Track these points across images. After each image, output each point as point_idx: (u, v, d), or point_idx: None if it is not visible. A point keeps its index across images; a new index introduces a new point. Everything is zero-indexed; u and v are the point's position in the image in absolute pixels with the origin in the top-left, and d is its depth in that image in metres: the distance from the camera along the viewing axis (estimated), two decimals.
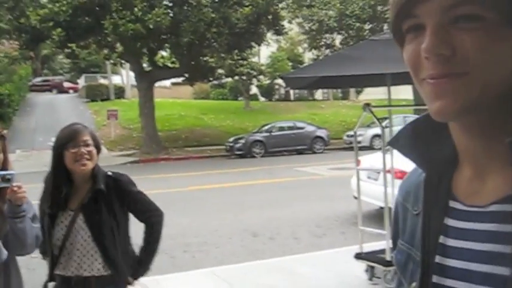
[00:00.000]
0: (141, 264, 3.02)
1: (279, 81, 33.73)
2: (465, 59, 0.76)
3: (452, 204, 0.89)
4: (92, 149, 2.89)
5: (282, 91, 44.29)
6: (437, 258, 0.88)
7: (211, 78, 31.79)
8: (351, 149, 6.45)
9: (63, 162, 2.86)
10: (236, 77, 35.88)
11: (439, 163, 0.92)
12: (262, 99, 44.05)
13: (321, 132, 25.82)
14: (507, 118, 0.81)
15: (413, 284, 0.92)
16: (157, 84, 27.74)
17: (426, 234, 0.91)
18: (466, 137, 0.86)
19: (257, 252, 7.74)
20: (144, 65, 26.87)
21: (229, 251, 7.84)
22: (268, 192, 13.15)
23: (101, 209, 2.88)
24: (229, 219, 9.90)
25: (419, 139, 0.92)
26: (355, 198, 6.68)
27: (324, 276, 6.11)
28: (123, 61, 28.32)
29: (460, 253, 0.85)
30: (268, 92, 44.30)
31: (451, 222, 0.88)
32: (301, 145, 24.83)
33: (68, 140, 2.86)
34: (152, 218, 3.07)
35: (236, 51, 26.59)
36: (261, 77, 39.39)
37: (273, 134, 24.70)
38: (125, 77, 42.68)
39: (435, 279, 0.88)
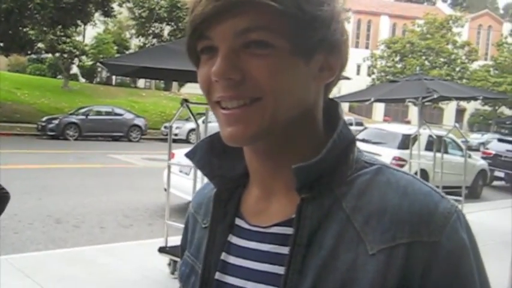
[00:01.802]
0: None
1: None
2: (254, 84, 0.78)
3: (238, 222, 0.91)
4: None
5: (104, 74, 42.94)
6: (217, 275, 0.89)
7: (29, 52, 29.81)
8: (168, 140, 6.45)
9: None
10: (57, 54, 34.04)
11: (231, 180, 0.93)
12: (82, 80, 42.34)
13: (139, 121, 25.51)
14: (294, 144, 0.85)
15: None
16: None
17: (210, 249, 0.91)
18: (256, 160, 0.88)
19: (59, 240, 7.43)
20: None
21: (29, 237, 7.42)
22: (77, 177, 12.67)
23: None
24: (32, 204, 9.36)
25: (214, 155, 0.92)
26: (166, 190, 6.71)
27: (126, 268, 6.06)
28: None
29: (239, 271, 0.87)
30: (89, 73, 42.69)
31: (234, 239, 0.90)
32: (117, 132, 24.31)
33: None
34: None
35: (60, 26, 25.28)
36: (84, 57, 37.84)
37: (89, 117, 23.85)
38: None
39: None
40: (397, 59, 49.00)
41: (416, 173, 10.46)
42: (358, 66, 54.46)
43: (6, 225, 7.77)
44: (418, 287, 0.76)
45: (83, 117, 23.64)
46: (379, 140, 13.41)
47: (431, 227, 0.77)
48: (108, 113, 24.98)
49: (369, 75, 49.91)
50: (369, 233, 0.78)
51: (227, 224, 0.91)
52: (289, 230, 0.82)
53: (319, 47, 0.81)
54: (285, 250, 0.82)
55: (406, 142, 11.71)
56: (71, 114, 24.13)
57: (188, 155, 0.95)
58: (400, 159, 12.33)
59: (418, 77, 9.93)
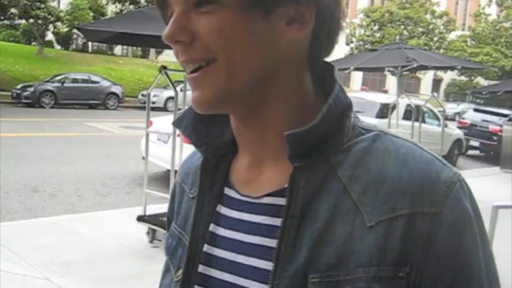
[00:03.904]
0: None
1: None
2: (203, 45, 0.74)
3: (227, 191, 0.86)
4: None
5: (80, 41, 42.24)
6: (206, 247, 0.85)
7: (2, 17, 29.12)
8: (145, 108, 6.37)
9: None
10: (31, 20, 33.31)
11: (218, 148, 0.88)
12: (58, 47, 41.63)
13: (116, 89, 25.22)
14: (272, 107, 0.80)
15: (180, 272, 0.87)
16: None
17: (197, 220, 0.86)
18: (240, 126, 0.84)
19: (36, 209, 7.37)
20: None
21: (5, 207, 7.31)
22: (53, 146, 12.51)
23: None
24: (7, 172, 9.21)
25: (201, 122, 0.87)
26: (144, 159, 6.65)
27: (105, 237, 6.02)
28: None
29: (228, 244, 0.83)
30: (65, 40, 41.96)
31: (223, 210, 0.85)
32: (94, 100, 24.03)
33: None
34: None
35: None
36: (59, 23, 37.12)
37: (65, 85, 23.52)
38: None
39: (201, 268, 0.85)
40: (376, 28, 49.04)
41: None
42: None
43: None
44: (419, 260, 0.72)
45: (59, 84, 23.30)
46: (358, 108, 13.23)
47: (432, 197, 0.73)
48: (84, 81, 24.65)
49: (347, 44, 49.87)
50: (366, 204, 0.73)
51: (215, 194, 0.87)
52: (281, 201, 0.78)
53: None
54: (277, 222, 0.77)
55: (384, 111, 11.77)
56: (46, 81, 23.78)
57: (175, 123, 0.90)
58: None
59: (397, 46, 9.94)
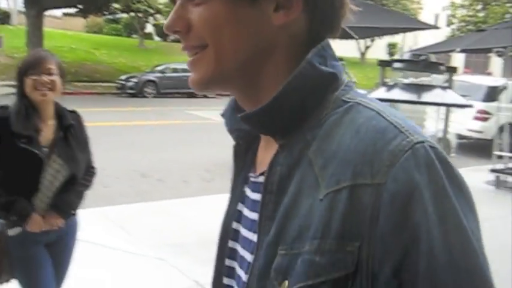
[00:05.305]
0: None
1: None
2: (197, 33, 0.82)
3: (251, 173, 0.93)
4: (56, 78, 2.70)
5: None
6: (234, 225, 0.94)
7: (106, 12, 30.47)
8: None
9: (23, 90, 2.68)
10: (132, 14, 34.64)
11: (248, 133, 0.94)
12: (157, 38, 42.98)
13: None
14: (261, 88, 0.84)
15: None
16: (47, 12, 26.15)
17: (232, 200, 0.97)
18: (246, 108, 0.89)
19: (145, 193, 7.68)
20: None
21: (117, 191, 7.72)
22: (158, 133, 13.00)
23: (72, 146, 2.82)
24: (118, 159, 9.70)
25: (236, 110, 0.94)
26: None
27: (212, 221, 6.16)
28: None
29: (246, 221, 0.90)
30: (163, 32, 43.13)
31: (247, 190, 0.93)
32: None
33: (30, 67, 2.67)
34: (93, 163, 3.10)
35: None
36: (158, 15, 38.31)
37: (166, 75, 24.22)
38: (11, 0, 39.82)
39: (231, 244, 0.94)
40: (479, 7, 46.80)
41: (502, 127, 10.09)
42: (436, 16, 52.48)
43: (96, 180, 8.10)
44: (368, 238, 0.67)
45: (160, 74, 24.05)
46: (462, 92, 12.86)
47: (376, 167, 0.68)
48: (184, 70, 25.17)
49: (448, 25, 48.01)
50: (324, 178, 0.73)
51: (243, 176, 0.95)
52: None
53: None
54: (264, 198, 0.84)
55: (492, 94, 11.26)
56: (148, 72, 24.62)
57: (222, 114, 0.99)
58: (485, 112, 11.87)
59: (508, 25, 9.43)
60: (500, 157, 9.37)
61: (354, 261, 0.68)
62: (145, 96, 22.85)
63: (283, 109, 0.79)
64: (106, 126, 13.24)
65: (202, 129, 14.25)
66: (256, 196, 0.86)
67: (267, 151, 0.88)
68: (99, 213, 6.24)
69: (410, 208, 0.66)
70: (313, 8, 0.81)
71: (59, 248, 2.92)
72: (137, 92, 22.85)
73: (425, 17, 40.91)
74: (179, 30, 0.83)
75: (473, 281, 0.65)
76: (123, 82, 23.32)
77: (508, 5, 44.60)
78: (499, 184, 8.87)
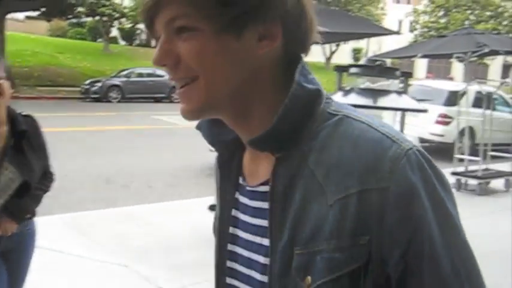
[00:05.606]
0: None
1: (141, 25, 32.72)
2: (186, 66, 0.87)
3: (241, 181, 1.00)
4: (2, 82, 2.60)
5: (143, 36, 43.10)
6: (231, 229, 1.01)
7: (70, 16, 30.06)
8: None
9: None
10: (97, 17, 34.27)
11: (230, 144, 1.01)
12: (122, 42, 42.61)
13: None
14: (251, 111, 0.91)
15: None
16: (9, 15, 25.68)
17: (223, 206, 1.04)
18: (236, 129, 0.96)
19: (109, 199, 7.59)
20: None
21: (81, 197, 7.61)
22: (123, 139, 12.89)
23: (25, 152, 2.70)
24: (81, 165, 9.58)
25: (214, 125, 1.01)
26: (211, 151, 6.73)
27: (177, 226, 6.16)
28: None
29: (244, 225, 0.98)
30: (129, 36, 42.90)
31: (240, 197, 1.00)
32: (159, 93, 24.43)
33: None
34: (50, 168, 2.98)
35: None
36: (123, 19, 37.98)
37: (131, 79, 24.08)
38: None
39: (229, 247, 1.01)
40: (441, 13, 47.63)
41: (463, 131, 10.30)
42: (400, 22, 53.21)
43: (58, 186, 7.96)
44: (377, 230, 0.80)
45: (125, 79, 23.88)
46: (424, 96, 13.06)
47: (378, 174, 0.81)
48: (149, 75, 25.10)
49: (411, 31, 48.74)
50: (329, 185, 0.84)
51: (232, 183, 1.02)
52: (266, 188, 0.92)
53: (248, 20, 0.85)
54: (266, 205, 0.92)
55: (453, 99, 11.49)
56: (113, 77, 24.37)
57: (197, 128, 1.04)
58: (446, 116, 12.10)
59: (467, 31, 9.65)
60: (461, 160, 9.59)
61: (366, 253, 0.81)
62: (110, 101, 22.63)
63: (284, 129, 0.88)
64: (69, 131, 13.09)
65: (168, 134, 14.19)
66: (258, 204, 0.95)
67: (256, 162, 0.97)
68: (61, 219, 6.15)
69: (412, 204, 0.80)
70: (289, 33, 0.89)
71: (15, 255, 2.85)
72: (102, 97, 22.60)
73: (389, 23, 41.49)
74: (167, 63, 0.88)
75: (461, 251, 0.83)
76: (87, 86, 23.05)
77: (469, 11, 45.59)
78: (460, 187, 9.06)
